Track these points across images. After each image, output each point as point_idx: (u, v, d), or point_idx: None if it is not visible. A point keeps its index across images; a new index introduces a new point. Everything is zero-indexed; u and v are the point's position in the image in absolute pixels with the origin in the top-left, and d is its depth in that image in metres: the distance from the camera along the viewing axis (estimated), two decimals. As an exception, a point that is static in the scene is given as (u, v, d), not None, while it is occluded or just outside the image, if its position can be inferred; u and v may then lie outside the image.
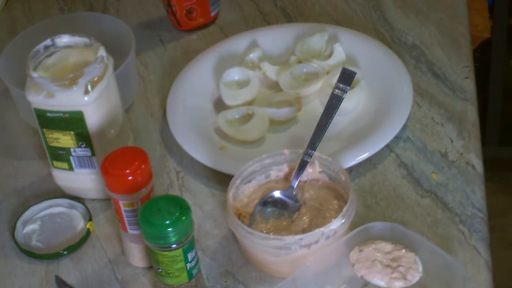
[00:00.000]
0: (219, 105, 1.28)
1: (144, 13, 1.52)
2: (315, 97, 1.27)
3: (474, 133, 1.20)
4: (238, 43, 1.37)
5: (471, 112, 1.23)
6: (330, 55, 1.31)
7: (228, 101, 1.27)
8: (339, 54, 1.31)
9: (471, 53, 1.33)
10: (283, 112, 1.24)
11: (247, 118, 1.24)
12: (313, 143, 1.09)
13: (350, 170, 1.15)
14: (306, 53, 1.32)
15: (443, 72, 1.30)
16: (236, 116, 1.25)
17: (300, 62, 1.32)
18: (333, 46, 1.31)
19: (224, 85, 1.28)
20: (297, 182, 1.09)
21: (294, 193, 1.09)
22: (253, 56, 1.34)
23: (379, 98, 1.24)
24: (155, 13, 1.52)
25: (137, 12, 1.53)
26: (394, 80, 1.25)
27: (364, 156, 1.15)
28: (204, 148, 1.20)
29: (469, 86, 1.27)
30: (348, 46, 1.32)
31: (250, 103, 1.27)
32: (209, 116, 1.27)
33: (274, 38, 1.37)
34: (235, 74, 1.30)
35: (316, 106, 1.26)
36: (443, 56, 1.32)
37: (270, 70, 1.31)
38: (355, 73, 1.11)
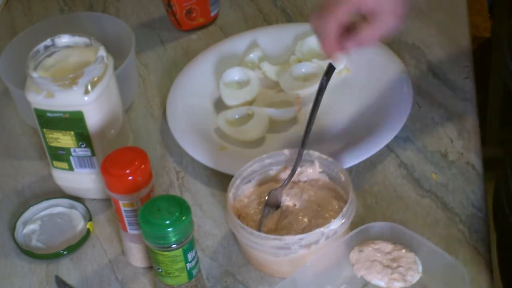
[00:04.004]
0: (219, 105, 1.28)
1: (144, 13, 1.52)
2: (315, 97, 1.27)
3: (474, 133, 1.20)
4: (238, 43, 1.37)
5: (471, 112, 1.23)
6: (330, 55, 1.31)
7: (228, 101, 1.27)
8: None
9: (471, 53, 1.33)
10: (283, 112, 1.24)
11: (247, 118, 1.24)
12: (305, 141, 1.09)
13: (350, 170, 1.15)
14: (306, 53, 1.32)
15: (443, 72, 1.29)
16: (236, 116, 1.25)
17: (300, 62, 1.31)
18: (333, 46, 1.31)
19: (224, 85, 1.28)
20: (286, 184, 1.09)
21: (281, 195, 1.09)
22: (253, 56, 1.34)
23: (379, 98, 1.24)
24: (155, 13, 1.52)
25: (137, 12, 1.53)
26: (394, 80, 1.25)
27: (364, 156, 1.15)
28: (204, 148, 1.20)
29: (469, 86, 1.27)
30: (348, 46, 1.32)
31: (250, 103, 1.27)
32: (209, 116, 1.27)
33: (274, 38, 1.37)
34: (235, 74, 1.30)
35: (316, 106, 1.26)
36: (443, 56, 1.32)
37: (270, 70, 1.31)
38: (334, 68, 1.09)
